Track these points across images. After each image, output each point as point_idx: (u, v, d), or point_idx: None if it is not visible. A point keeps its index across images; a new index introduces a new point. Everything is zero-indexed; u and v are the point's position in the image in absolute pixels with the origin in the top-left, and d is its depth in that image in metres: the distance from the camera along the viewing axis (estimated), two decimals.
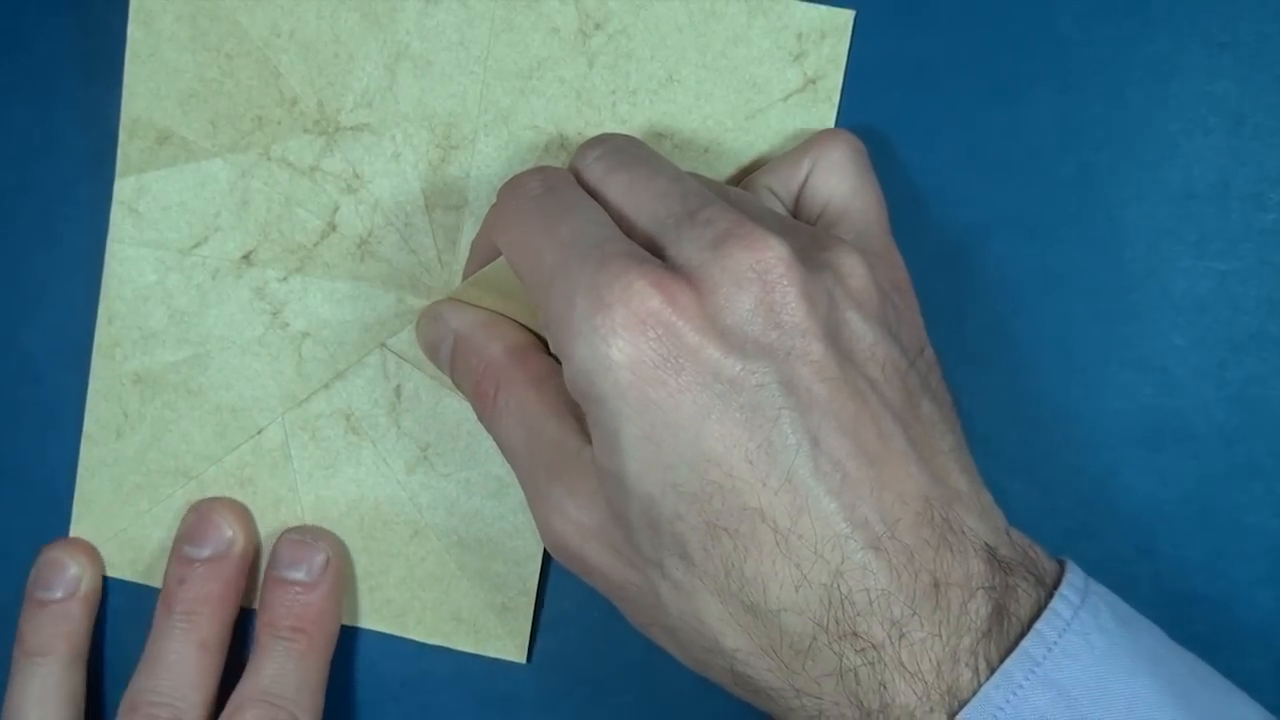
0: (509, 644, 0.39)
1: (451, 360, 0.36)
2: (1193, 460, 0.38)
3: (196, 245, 0.39)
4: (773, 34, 0.37)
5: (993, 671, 0.28)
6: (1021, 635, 0.28)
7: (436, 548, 0.39)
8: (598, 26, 0.37)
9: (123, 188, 0.39)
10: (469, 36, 0.38)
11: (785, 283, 0.29)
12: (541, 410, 0.33)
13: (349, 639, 0.40)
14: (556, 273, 0.30)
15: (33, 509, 0.40)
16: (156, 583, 0.39)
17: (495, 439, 0.34)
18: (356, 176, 0.38)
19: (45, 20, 0.39)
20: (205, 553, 0.38)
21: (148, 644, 0.38)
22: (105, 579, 0.40)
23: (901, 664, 0.28)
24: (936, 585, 0.28)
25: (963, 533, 0.29)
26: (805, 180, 0.35)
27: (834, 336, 0.29)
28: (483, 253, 0.36)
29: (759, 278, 0.29)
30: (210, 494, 0.39)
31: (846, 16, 0.37)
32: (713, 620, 0.29)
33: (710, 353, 0.28)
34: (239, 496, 0.39)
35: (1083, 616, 0.28)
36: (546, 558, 0.39)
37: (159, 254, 0.39)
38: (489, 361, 0.34)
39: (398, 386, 0.39)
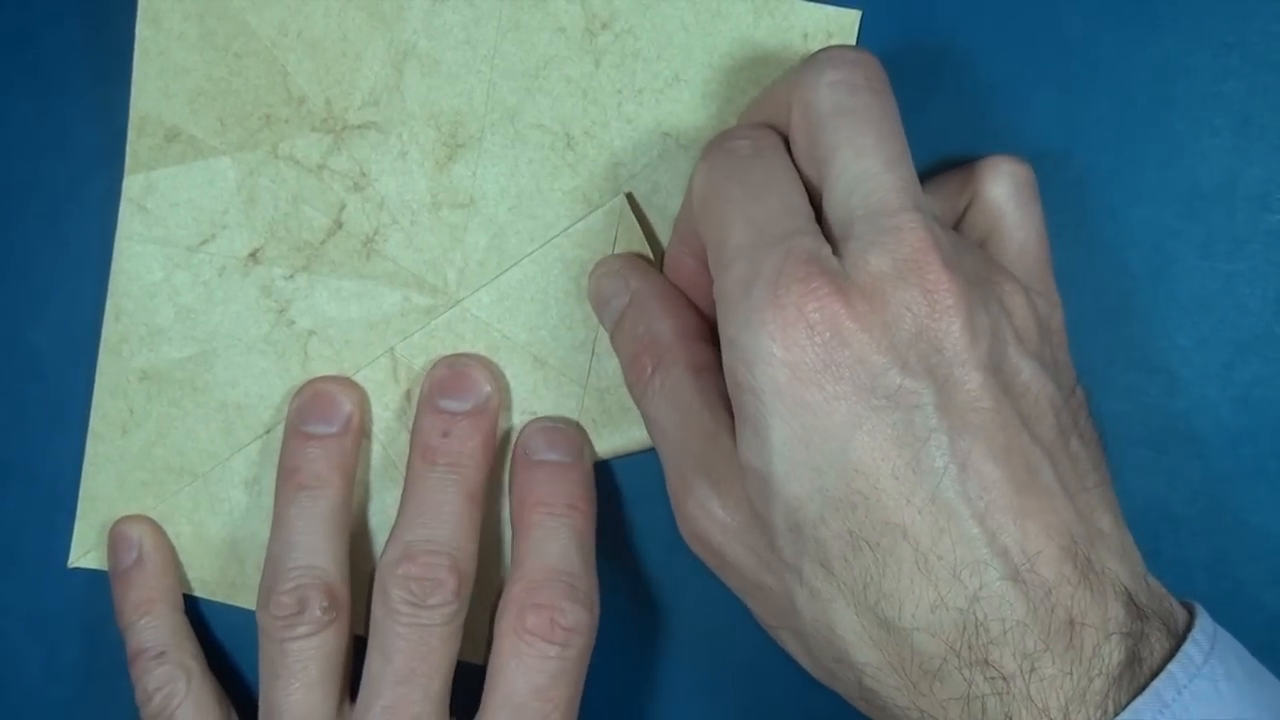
0: None
1: (618, 321, 0.36)
2: (1198, 461, 0.38)
3: (204, 242, 0.39)
4: (779, 34, 0.37)
5: (1120, 711, 0.28)
6: (1150, 680, 0.28)
7: None
8: (604, 26, 0.37)
9: (131, 185, 0.39)
10: (476, 35, 0.38)
11: (953, 313, 0.29)
12: (696, 399, 0.33)
13: None
14: (740, 254, 0.30)
15: (38, 505, 0.40)
16: None
17: (643, 414, 0.35)
18: (363, 175, 0.38)
19: (53, 17, 0.39)
20: (467, 405, 0.37)
21: (409, 496, 0.37)
22: (104, 575, 0.40)
23: (1030, 698, 0.28)
24: (1072, 624, 0.28)
25: (1103, 573, 0.29)
26: (970, 204, 0.35)
27: (994, 368, 0.29)
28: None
29: (930, 304, 0.29)
30: (214, 492, 0.39)
31: (853, 17, 0.37)
32: (846, 632, 0.29)
33: (872, 366, 0.28)
34: (244, 497, 0.39)
35: (1213, 663, 0.28)
36: None
37: (166, 251, 0.39)
38: (654, 336, 0.35)
39: (407, 391, 0.39)
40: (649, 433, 0.34)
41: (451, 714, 0.37)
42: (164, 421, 0.39)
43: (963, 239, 0.33)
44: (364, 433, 0.39)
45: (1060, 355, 0.33)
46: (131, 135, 0.38)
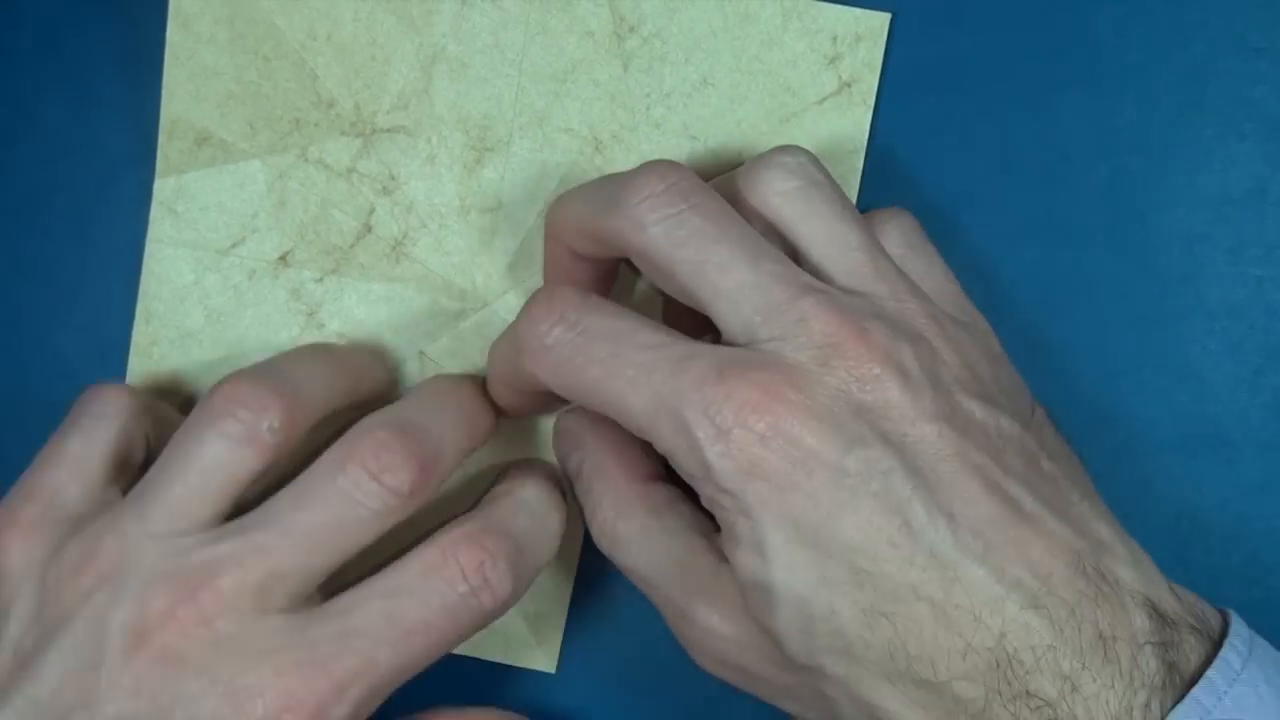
0: (539, 654, 0.39)
1: (576, 478, 0.36)
2: (1228, 467, 0.38)
3: (234, 246, 0.39)
4: (807, 37, 0.37)
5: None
6: (1189, 686, 0.28)
7: None
8: (632, 29, 0.37)
9: (162, 188, 0.39)
10: (504, 39, 0.38)
11: (886, 380, 0.30)
12: (663, 537, 0.33)
13: None
14: (655, 409, 0.30)
15: None
16: None
17: (620, 565, 0.34)
18: (392, 179, 0.38)
19: (83, 19, 0.40)
20: None
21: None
22: None
23: (1076, 719, 0.28)
24: (1102, 638, 0.28)
25: (1118, 584, 0.29)
26: None
27: (944, 417, 0.30)
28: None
29: (859, 380, 0.30)
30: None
31: (882, 20, 0.37)
32: (887, 703, 0.29)
33: (831, 452, 0.29)
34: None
35: (1251, 668, 0.29)
36: (581, 567, 0.39)
37: (197, 254, 0.39)
38: (611, 490, 0.35)
39: None
40: (634, 582, 0.34)
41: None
42: None
43: (868, 276, 0.33)
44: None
45: (1006, 380, 0.33)
46: (162, 139, 0.39)
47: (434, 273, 0.39)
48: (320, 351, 0.37)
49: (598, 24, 0.38)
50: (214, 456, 0.33)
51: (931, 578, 0.29)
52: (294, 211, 0.39)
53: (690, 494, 0.33)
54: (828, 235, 0.32)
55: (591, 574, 0.39)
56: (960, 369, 0.31)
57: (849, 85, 0.37)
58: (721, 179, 0.35)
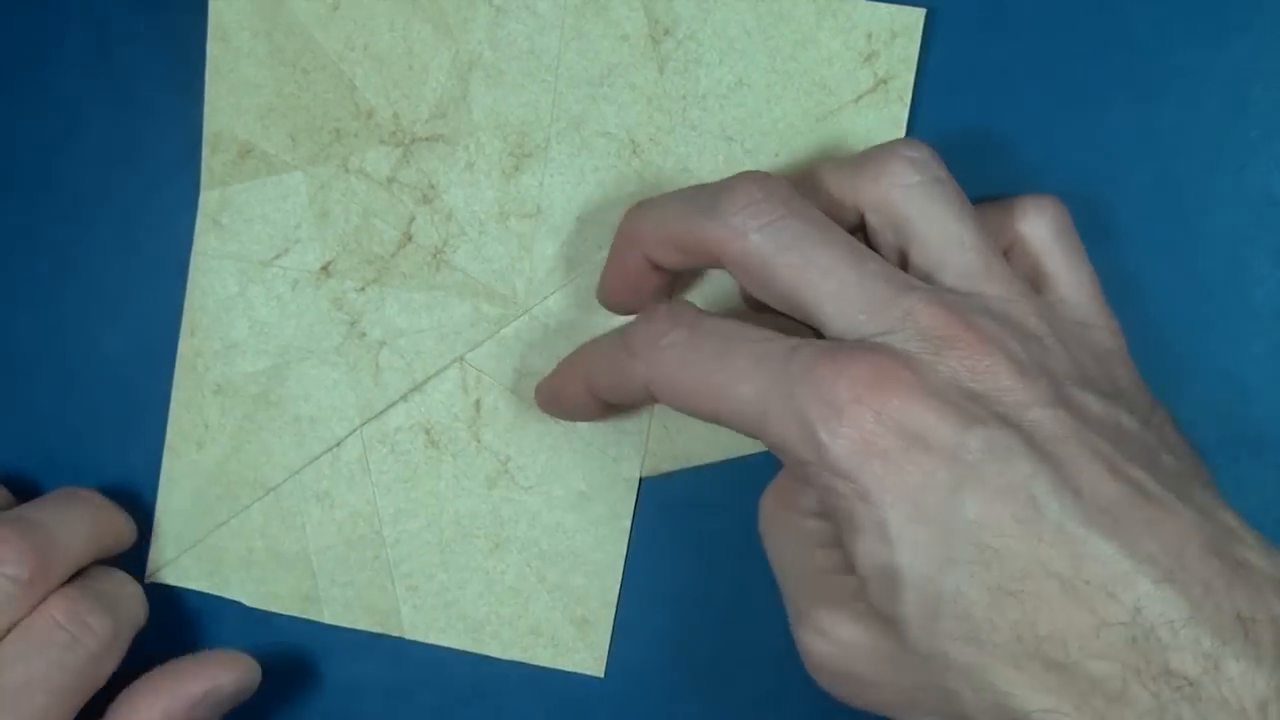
0: (587, 657, 0.39)
1: None
2: (1271, 471, 0.37)
3: (277, 257, 0.39)
4: (842, 34, 0.37)
5: None
6: None
7: (517, 561, 0.39)
8: (667, 32, 0.37)
9: (207, 200, 0.39)
10: (540, 45, 0.38)
11: (999, 368, 0.30)
12: (799, 538, 0.33)
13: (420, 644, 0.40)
14: (768, 392, 0.30)
15: None
16: (233, 595, 0.40)
17: (761, 533, 0.34)
18: (431, 187, 0.39)
19: (128, 27, 0.40)
20: None
21: None
22: (179, 589, 0.40)
23: (1225, 701, 0.27)
24: (1241, 619, 0.27)
25: (1251, 569, 0.28)
26: (1010, 247, 0.35)
27: (1061, 403, 0.30)
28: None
29: (971, 369, 0.29)
30: (286, 506, 0.40)
31: (917, 15, 0.37)
32: (1014, 689, 0.28)
33: (949, 430, 0.29)
34: (316, 510, 0.39)
35: None
36: (627, 569, 0.39)
37: (241, 266, 0.39)
38: (782, 479, 0.35)
39: (477, 400, 0.39)
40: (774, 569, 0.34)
41: None
42: (238, 435, 0.40)
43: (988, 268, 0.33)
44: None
45: (1124, 380, 0.33)
46: (206, 151, 0.39)
47: (475, 280, 0.39)
48: (72, 500, 0.38)
49: (633, 27, 0.37)
50: None
51: (1060, 553, 0.28)
52: (336, 222, 0.39)
53: None
54: (944, 233, 0.32)
55: (637, 578, 0.39)
56: (1071, 365, 0.31)
57: (885, 82, 0.37)
58: (802, 175, 0.34)
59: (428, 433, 0.39)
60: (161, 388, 0.40)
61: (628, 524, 0.39)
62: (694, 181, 0.37)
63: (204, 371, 0.39)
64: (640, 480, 0.39)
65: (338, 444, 0.39)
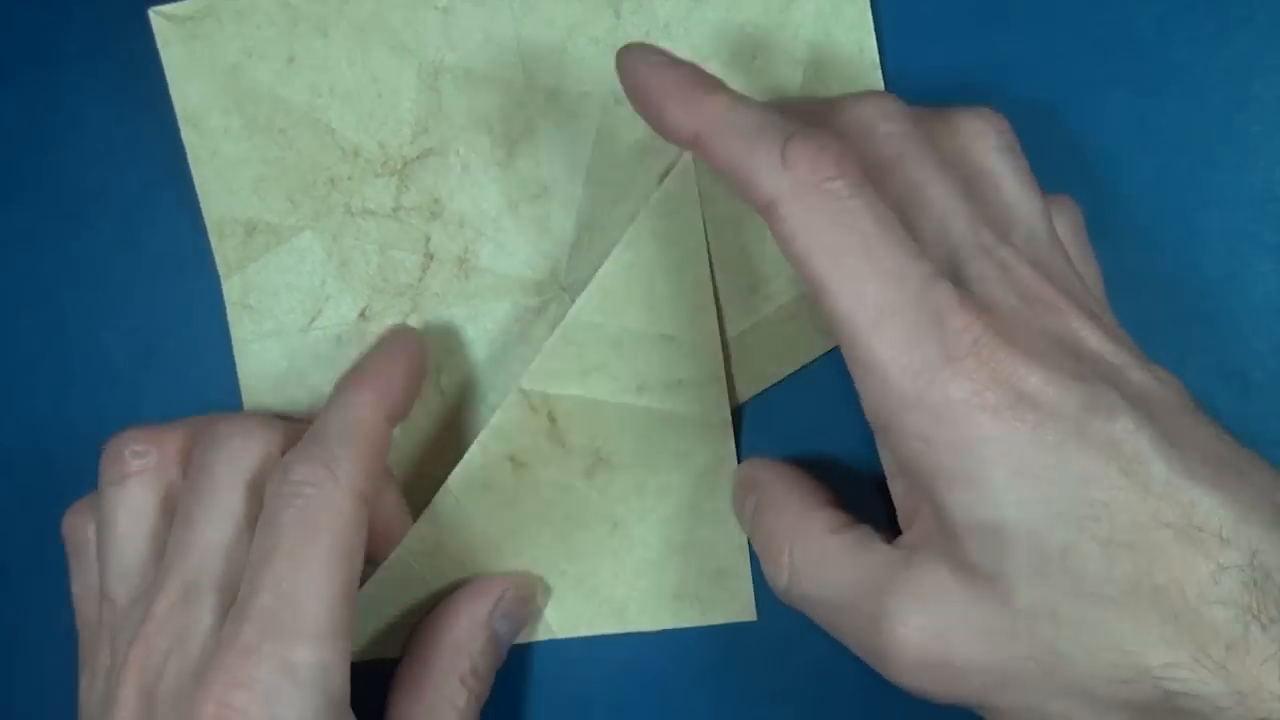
0: (735, 606, 0.39)
1: (753, 521, 0.36)
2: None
3: (313, 320, 0.39)
4: None
5: None
6: None
7: (639, 533, 0.38)
8: None
9: (230, 289, 0.39)
10: (495, 32, 0.38)
11: (1092, 331, 0.30)
12: (848, 552, 0.32)
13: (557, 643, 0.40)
14: (887, 314, 0.29)
15: None
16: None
17: (800, 600, 0.33)
18: (436, 202, 0.38)
19: (128, 27, 0.40)
20: None
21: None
22: None
23: None
24: None
25: None
26: None
27: (1146, 368, 0.30)
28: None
29: (1069, 329, 0.30)
30: (398, 576, 0.38)
31: None
32: (1130, 644, 0.28)
33: (1054, 389, 0.28)
34: (426, 570, 0.38)
35: None
36: None
37: (283, 340, 0.39)
38: (785, 520, 0.34)
39: (549, 413, 0.38)
40: (809, 612, 0.33)
41: None
42: None
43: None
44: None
45: None
46: (214, 241, 0.39)
47: (505, 276, 0.38)
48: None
49: None
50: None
51: (1170, 504, 0.28)
52: (358, 267, 0.39)
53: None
54: (1018, 196, 0.33)
55: None
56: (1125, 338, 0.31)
57: None
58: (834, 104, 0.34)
59: (512, 460, 0.38)
60: (162, 387, 0.40)
61: (734, 464, 0.38)
62: None
63: None
64: (734, 415, 0.38)
65: (429, 506, 0.38)
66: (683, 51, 0.37)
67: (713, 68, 0.37)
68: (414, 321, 0.39)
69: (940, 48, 0.37)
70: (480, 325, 0.39)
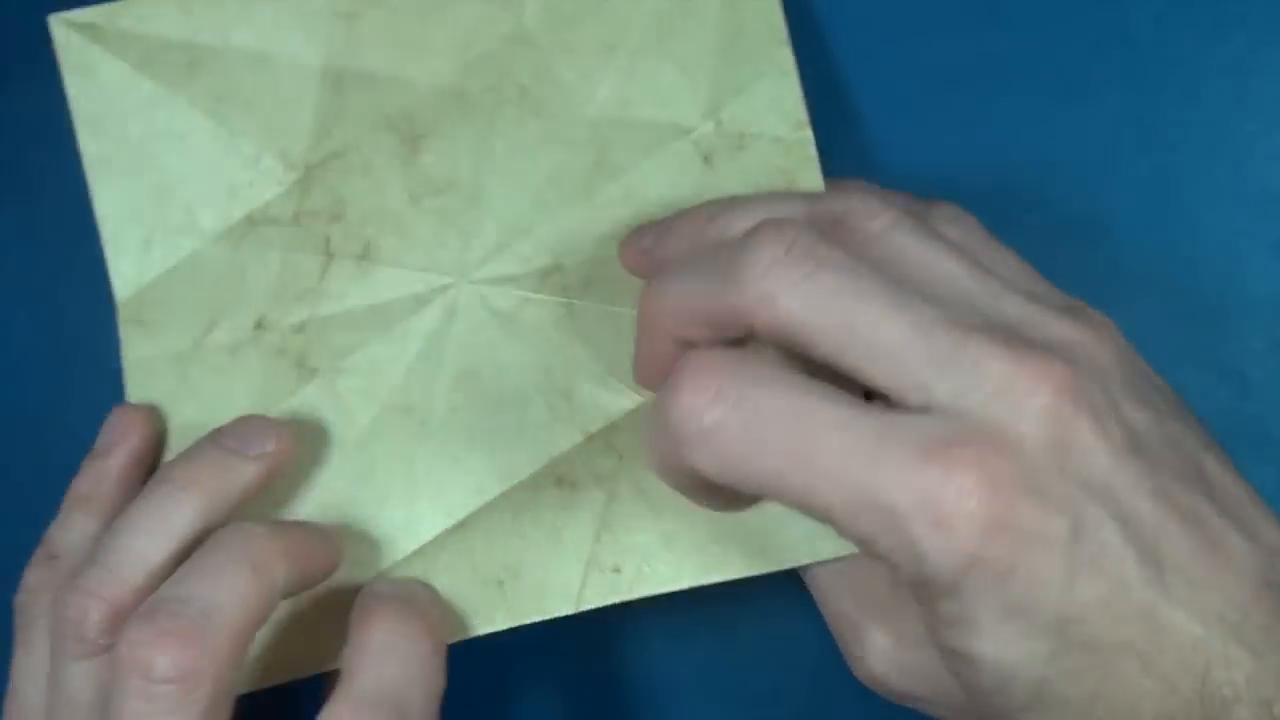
0: (830, 544, 0.35)
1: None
2: (1271, 466, 0.36)
3: (208, 332, 0.37)
4: None
5: None
6: None
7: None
8: None
9: (125, 307, 0.38)
10: (400, 34, 0.38)
11: (1079, 421, 0.28)
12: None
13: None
14: (860, 498, 0.27)
15: None
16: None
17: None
18: (340, 202, 0.37)
19: None
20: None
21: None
22: None
23: None
24: None
25: None
26: None
27: (1132, 448, 0.28)
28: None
29: (1052, 422, 0.27)
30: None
31: None
32: None
33: (1050, 523, 0.27)
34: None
35: None
36: None
37: (174, 355, 0.37)
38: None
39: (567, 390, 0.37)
40: (809, 585, 0.33)
41: None
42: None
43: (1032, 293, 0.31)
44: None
45: (1142, 364, 0.31)
46: (110, 254, 0.38)
47: (406, 266, 0.37)
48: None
49: None
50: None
51: (1141, 631, 0.27)
52: (257, 276, 0.38)
53: None
54: (929, 268, 0.30)
55: None
56: (1125, 384, 0.29)
57: None
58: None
59: (559, 481, 0.36)
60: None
61: None
62: (587, 97, 0.36)
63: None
64: None
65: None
66: (590, 44, 0.37)
67: (622, 57, 0.37)
68: (311, 327, 0.37)
69: (938, 46, 0.37)
70: (378, 318, 0.37)
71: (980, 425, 0.27)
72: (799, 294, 0.28)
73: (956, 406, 0.27)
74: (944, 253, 0.30)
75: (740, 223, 0.32)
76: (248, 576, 0.31)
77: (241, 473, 0.34)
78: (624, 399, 0.36)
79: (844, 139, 0.36)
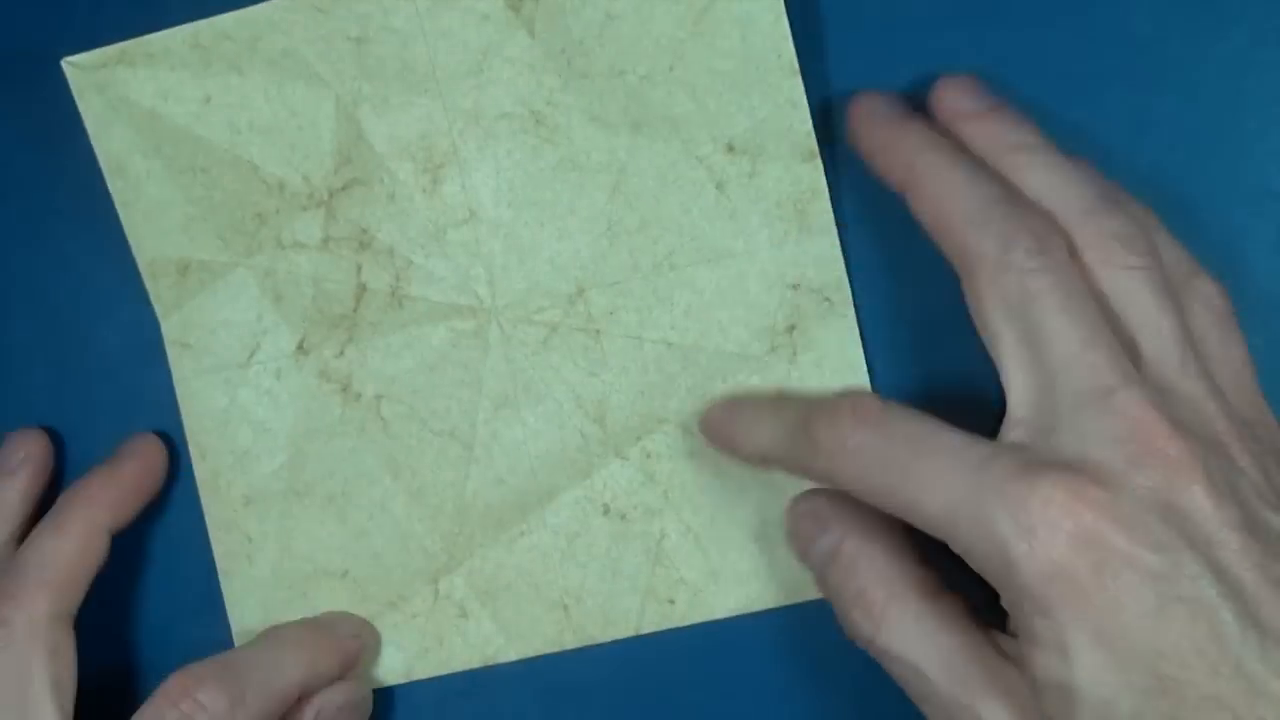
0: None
1: (830, 559, 0.35)
2: None
3: (252, 355, 0.39)
4: None
5: None
6: None
7: (757, 499, 0.38)
8: None
9: (169, 329, 0.39)
10: (410, 58, 0.37)
11: (1193, 483, 0.29)
12: (942, 624, 0.33)
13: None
14: (958, 504, 0.30)
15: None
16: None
17: (885, 650, 0.33)
18: (364, 231, 0.38)
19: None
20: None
21: None
22: None
23: None
24: None
25: None
26: None
27: (1248, 527, 0.29)
28: None
29: (1168, 480, 0.29)
30: (355, 580, 0.39)
31: None
32: None
33: (1138, 555, 0.28)
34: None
35: None
36: None
37: (223, 376, 0.39)
38: (880, 570, 0.34)
39: (603, 419, 0.38)
40: (892, 672, 0.33)
41: None
42: (282, 536, 0.39)
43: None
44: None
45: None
46: (148, 283, 0.39)
47: (438, 303, 0.38)
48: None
49: (489, 5, 0.37)
50: None
51: (1237, 689, 0.28)
52: (292, 300, 0.39)
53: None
54: (1144, 319, 0.32)
55: None
56: (1256, 476, 0.30)
57: None
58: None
59: (606, 509, 0.39)
60: (160, 384, 0.40)
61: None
62: (604, 125, 0.37)
63: (227, 489, 0.40)
64: None
65: (380, 509, 0.39)
66: (602, 70, 0.37)
67: (630, 81, 0.36)
68: (351, 351, 0.39)
69: (937, 44, 0.37)
70: (417, 352, 0.39)
71: (1088, 459, 0.29)
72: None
73: (1076, 440, 0.30)
74: (1161, 310, 0.32)
75: None
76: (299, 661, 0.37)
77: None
78: (652, 423, 0.38)
79: (844, 138, 0.36)
